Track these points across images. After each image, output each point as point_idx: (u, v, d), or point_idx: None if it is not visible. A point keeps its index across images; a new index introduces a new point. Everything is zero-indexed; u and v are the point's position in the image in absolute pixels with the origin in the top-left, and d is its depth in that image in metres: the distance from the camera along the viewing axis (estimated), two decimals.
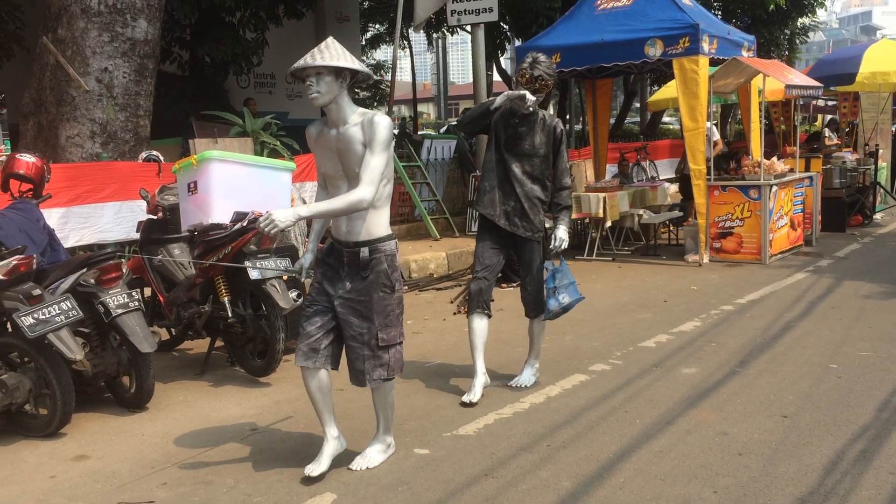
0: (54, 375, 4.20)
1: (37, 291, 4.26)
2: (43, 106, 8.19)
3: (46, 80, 8.16)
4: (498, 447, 3.89)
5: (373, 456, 3.72)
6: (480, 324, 4.65)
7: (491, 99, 4.52)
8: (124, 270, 4.77)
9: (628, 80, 20.91)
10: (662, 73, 13.87)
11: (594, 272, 8.71)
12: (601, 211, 9.33)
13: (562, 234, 4.62)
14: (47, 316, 4.14)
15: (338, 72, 3.34)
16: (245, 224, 5.01)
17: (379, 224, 3.48)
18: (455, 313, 7.00)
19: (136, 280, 5.35)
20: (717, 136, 11.11)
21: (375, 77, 30.99)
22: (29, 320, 4.08)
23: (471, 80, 11.33)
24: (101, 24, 7.96)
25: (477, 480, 3.52)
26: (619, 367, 5.16)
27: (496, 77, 22.28)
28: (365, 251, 3.45)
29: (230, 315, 5.13)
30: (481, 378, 4.61)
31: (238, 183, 5.05)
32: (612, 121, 22.07)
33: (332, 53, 3.33)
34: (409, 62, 29.24)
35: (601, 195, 9.37)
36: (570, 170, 11.98)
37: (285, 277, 5.41)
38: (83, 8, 7.89)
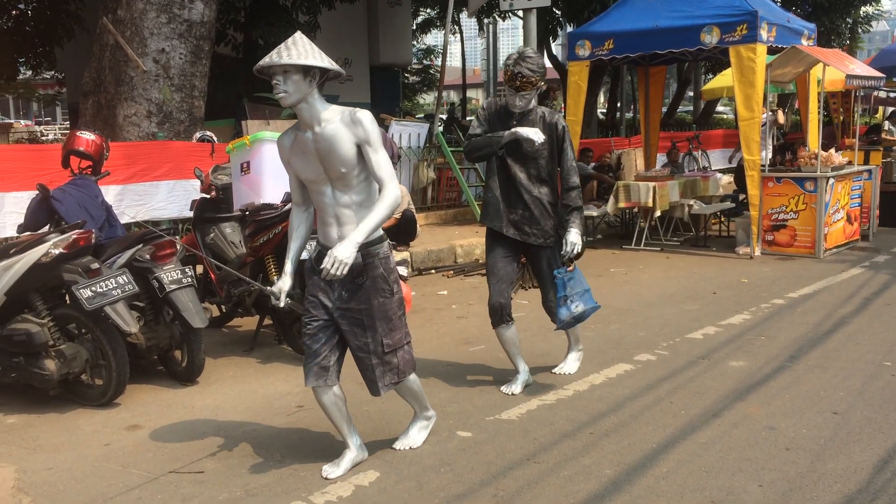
0: (110, 347, 4.33)
1: (95, 265, 4.39)
2: (102, 85, 8.40)
3: (106, 60, 8.35)
4: (540, 432, 3.89)
5: (414, 435, 3.73)
6: (508, 332, 4.50)
7: (500, 135, 4.28)
8: (179, 247, 4.89)
9: (682, 67, 20.57)
10: (718, 60, 13.60)
11: (642, 262, 8.63)
12: (650, 200, 9.21)
13: (573, 238, 4.33)
14: (105, 289, 4.27)
15: (306, 70, 3.15)
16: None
17: None
18: None
19: (188, 257, 5.46)
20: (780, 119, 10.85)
21: (425, 62, 31.03)
22: (87, 293, 4.20)
23: None
24: (159, 5, 8.11)
25: (519, 464, 3.54)
26: (664, 357, 5.11)
27: (547, 64, 22.11)
28: (358, 256, 3.22)
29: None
30: (524, 375, 4.56)
31: (281, 167, 5.10)
32: (664, 109, 21.77)
33: (299, 51, 3.14)
34: (459, 47, 29.16)
35: (651, 184, 9.26)
36: (620, 158, 11.92)
37: None
38: None
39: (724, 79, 13.30)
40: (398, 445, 3.70)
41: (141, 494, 3.33)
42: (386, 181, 3.22)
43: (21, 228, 5.16)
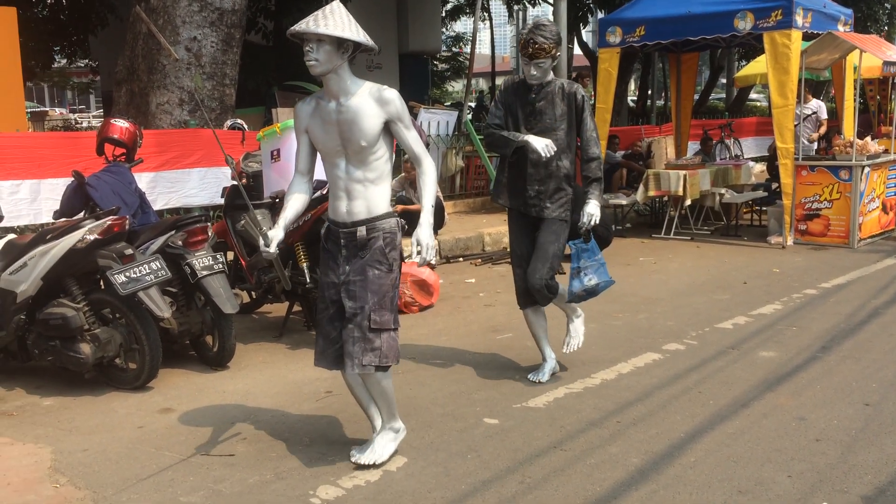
0: (143, 331, 4.40)
1: (129, 251, 4.46)
2: (135, 74, 8.50)
3: (139, 48, 8.45)
4: (567, 420, 3.90)
5: (380, 448, 3.44)
6: (535, 315, 4.50)
7: (515, 137, 4.22)
8: (210, 234, 4.95)
9: (715, 54, 20.31)
10: (752, 47, 13.40)
11: (671, 251, 8.56)
12: (681, 189, 9.12)
13: (591, 209, 4.23)
14: (138, 275, 4.34)
15: (340, 42, 3.11)
16: (325, 192, 5.10)
17: (379, 202, 3.28)
18: None
19: (219, 244, 5.52)
20: (825, 114, 10.67)
21: (454, 49, 30.92)
22: (121, 278, 4.28)
23: None
24: None
25: (545, 452, 3.55)
26: (693, 347, 5.08)
27: (577, 51, 21.93)
28: (362, 230, 3.24)
29: (308, 280, 5.26)
30: (550, 363, 4.54)
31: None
32: (697, 97, 21.51)
33: (335, 21, 3.09)
34: (488, 34, 29.01)
35: (681, 173, 9.17)
36: (651, 146, 11.81)
37: None
38: None
39: (758, 65, 13.12)
40: (363, 460, 3.39)
41: (173, 476, 3.40)
42: (422, 156, 3.28)
43: (57, 214, 5.26)
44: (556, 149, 4.19)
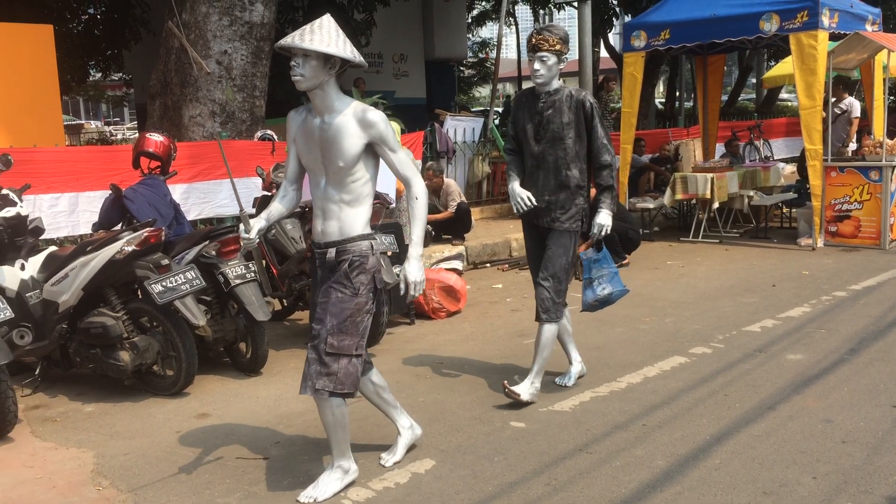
0: (180, 339, 4.54)
1: (165, 261, 4.61)
2: (168, 87, 8.70)
3: (171, 62, 8.65)
4: (593, 424, 3.95)
5: (326, 484, 3.28)
6: (560, 322, 4.38)
7: (509, 184, 4.33)
8: (242, 244, 5.07)
9: (743, 55, 20.15)
10: (780, 47, 13.29)
11: (699, 254, 8.55)
12: (708, 192, 9.11)
13: (601, 220, 4.19)
14: (174, 284, 4.48)
15: (326, 57, 3.04)
16: None
17: (353, 224, 3.19)
18: None
19: (251, 252, 5.65)
20: (857, 112, 10.58)
21: (480, 55, 30.99)
22: (158, 288, 4.42)
23: (577, 56, 11.23)
24: (221, 8, 8.36)
25: (571, 455, 3.61)
26: (720, 350, 5.10)
27: (603, 53, 21.89)
28: (332, 252, 3.18)
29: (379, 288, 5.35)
30: (576, 367, 4.58)
31: None
32: (725, 98, 21.34)
33: (322, 37, 3.01)
34: (514, 39, 29.05)
35: (708, 175, 9.15)
36: (678, 149, 11.78)
37: (390, 253, 5.61)
38: None
39: (786, 66, 13.01)
40: (303, 497, 3.26)
41: (210, 478, 3.52)
42: (412, 178, 3.21)
43: (96, 226, 5.44)
44: (530, 205, 4.21)
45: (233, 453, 3.78)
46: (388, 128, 3.16)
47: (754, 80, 23.15)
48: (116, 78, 21.10)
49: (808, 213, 8.81)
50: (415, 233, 3.20)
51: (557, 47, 4.12)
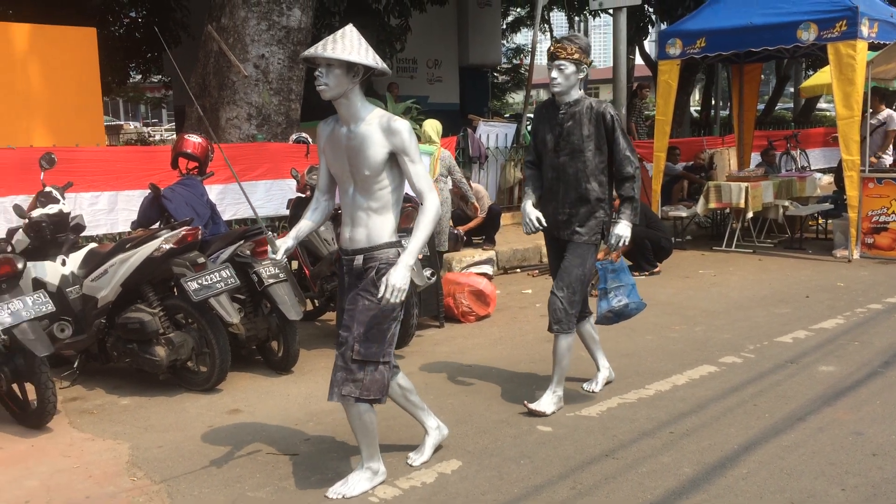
0: (214, 336, 4.64)
1: (201, 260, 4.71)
2: (206, 90, 8.86)
3: (210, 66, 8.81)
4: (620, 430, 3.96)
5: (355, 482, 3.36)
6: (583, 329, 4.45)
7: (524, 202, 4.31)
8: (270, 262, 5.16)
9: (781, 63, 19.92)
10: (818, 56, 13.14)
11: (732, 264, 8.48)
12: (742, 201, 9.04)
13: (620, 231, 4.12)
14: (209, 282, 4.58)
15: (349, 65, 3.08)
16: None
17: (381, 231, 3.21)
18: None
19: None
20: (894, 125, 10.42)
21: (514, 61, 31.00)
22: (194, 285, 4.52)
23: (611, 64, 11.21)
24: (259, 13, 8.50)
25: (597, 460, 3.62)
26: (751, 360, 5.06)
27: (639, 61, 21.79)
28: (359, 259, 3.21)
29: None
30: (604, 372, 4.59)
31: None
32: (762, 107, 21.11)
33: (345, 45, 3.06)
34: (548, 46, 29.00)
35: (743, 185, 9.08)
36: (713, 157, 11.69)
37: (421, 256, 5.65)
38: None
39: (824, 76, 12.88)
40: (331, 493, 3.34)
41: (241, 472, 3.59)
42: (425, 192, 3.15)
43: (134, 225, 5.57)
44: (538, 227, 4.22)
45: (263, 449, 3.85)
46: (412, 138, 3.16)
47: (792, 90, 22.87)
48: (156, 80, 21.48)
49: (845, 224, 8.70)
50: (413, 243, 3.13)
51: (576, 56, 4.07)
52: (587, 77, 4.27)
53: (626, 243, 4.18)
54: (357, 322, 3.18)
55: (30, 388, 4.19)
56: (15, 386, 4.24)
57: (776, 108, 23.21)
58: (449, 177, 7.27)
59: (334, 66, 3.08)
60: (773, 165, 11.57)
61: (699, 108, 23.37)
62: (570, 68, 4.09)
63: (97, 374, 5.08)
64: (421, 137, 7.05)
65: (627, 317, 4.42)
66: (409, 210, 5.37)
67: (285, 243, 3.38)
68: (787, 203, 9.72)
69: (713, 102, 19.14)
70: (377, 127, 3.14)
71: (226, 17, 8.64)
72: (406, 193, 5.58)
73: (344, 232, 3.30)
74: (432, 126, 7.11)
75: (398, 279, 3.05)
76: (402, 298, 3.08)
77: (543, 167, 4.30)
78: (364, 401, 3.23)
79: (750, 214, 9.21)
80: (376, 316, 3.18)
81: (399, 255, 3.20)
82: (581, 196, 4.16)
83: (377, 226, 3.21)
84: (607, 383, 4.59)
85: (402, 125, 3.14)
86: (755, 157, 11.92)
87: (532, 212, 4.27)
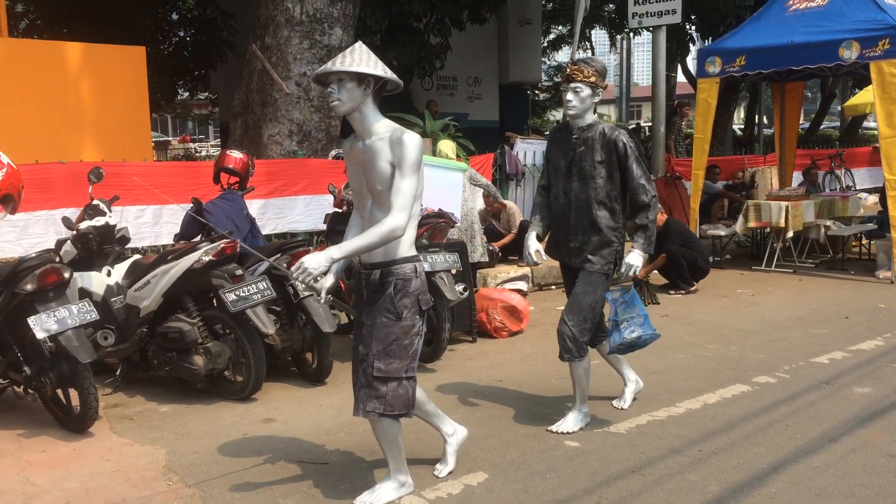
0: (250, 346, 4.75)
1: (239, 272, 4.84)
2: (250, 107, 9.09)
3: (254, 83, 9.05)
4: (648, 447, 3.96)
5: (383, 492, 3.41)
6: (603, 348, 4.38)
7: (528, 234, 4.31)
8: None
9: (826, 81, 19.63)
10: (863, 75, 12.96)
11: (771, 284, 8.39)
12: (782, 220, 8.93)
13: (631, 260, 4.03)
14: (247, 294, 4.70)
15: (360, 78, 3.11)
16: (418, 219, 5.37)
17: (399, 245, 3.20)
18: None
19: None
20: None
21: (555, 79, 31.03)
22: (232, 296, 4.65)
23: (651, 82, 11.22)
24: (302, 32, 8.72)
25: (623, 475, 3.63)
26: (784, 380, 5.01)
27: (680, 78, 21.68)
28: (376, 274, 3.21)
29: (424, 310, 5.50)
30: (631, 386, 4.58)
31: None
32: (808, 125, 20.80)
33: (354, 59, 3.10)
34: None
35: (783, 204, 8.98)
36: (754, 176, 11.58)
37: (454, 271, 5.73)
38: (287, 18, 8.69)
39: (868, 94, 12.70)
40: (359, 501, 3.40)
41: (273, 480, 3.68)
42: (394, 209, 3.08)
43: (177, 237, 5.74)
44: (537, 261, 4.25)
45: (295, 457, 3.94)
46: (415, 153, 3.10)
47: (840, 108, 22.50)
48: (203, 97, 21.98)
49: (888, 244, 8.54)
50: (349, 243, 3.10)
51: (592, 79, 4.02)
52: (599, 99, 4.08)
53: (637, 273, 4.10)
54: (376, 339, 3.21)
55: (73, 393, 4.34)
56: (59, 391, 4.40)
57: (822, 126, 22.85)
58: (476, 189, 7.36)
59: (345, 80, 3.12)
60: (815, 184, 11.42)
61: (743, 127, 23.12)
62: (586, 91, 4.04)
63: (138, 383, 5.23)
64: (436, 154, 7.17)
65: (641, 347, 4.33)
66: (441, 226, 5.45)
67: (328, 282, 3.42)
68: (828, 223, 9.57)
69: (756, 120, 18.95)
70: (387, 141, 3.15)
71: (269, 36, 8.87)
72: (440, 209, 5.69)
73: None
74: (448, 145, 7.27)
75: (311, 261, 3.01)
76: (310, 281, 3.03)
77: (554, 192, 4.24)
78: (389, 416, 3.27)
79: (790, 234, 9.09)
80: (394, 333, 3.21)
81: (416, 270, 3.25)
82: (592, 223, 4.09)
83: (394, 241, 3.19)
84: (636, 397, 4.59)
85: (410, 139, 3.12)
86: (797, 176, 11.77)
87: (532, 245, 4.26)
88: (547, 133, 18.63)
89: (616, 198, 4.10)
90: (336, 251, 3.06)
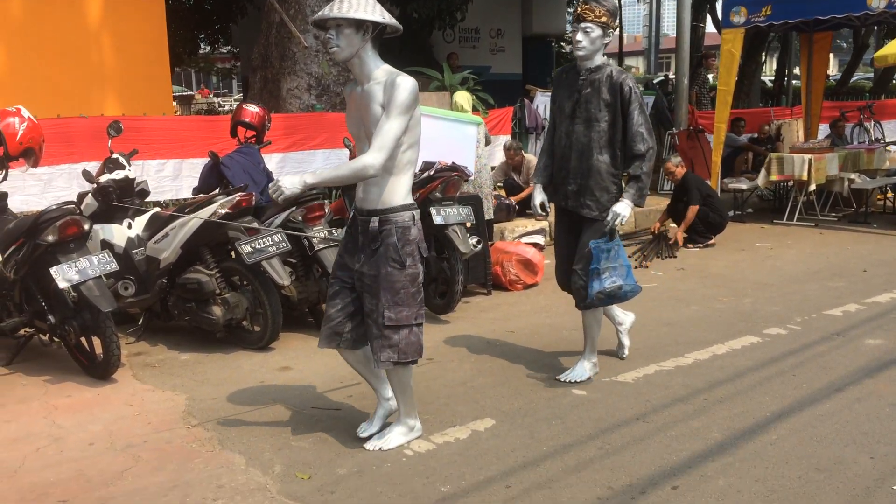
0: (266, 297, 4.86)
1: (255, 224, 4.93)
2: (268, 61, 9.11)
3: (272, 37, 9.05)
4: (653, 395, 4.03)
5: (392, 437, 3.51)
6: (589, 316, 4.28)
7: (533, 183, 4.34)
8: (327, 210, 5.36)
9: (859, 32, 19.12)
10: (894, 25, 12.62)
11: (791, 237, 8.34)
12: (805, 173, 8.83)
13: (619, 209, 3.97)
14: (262, 246, 4.80)
15: (358, 24, 3.11)
16: (432, 173, 5.41)
17: (395, 192, 3.22)
18: (636, 267, 7.04)
19: (336, 220, 5.94)
20: None
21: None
22: (247, 248, 4.75)
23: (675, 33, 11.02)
24: None
25: (627, 423, 3.70)
26: (796, 332, 5.03)
27: (710, 28, 21.21)
28: (374, 221, 3.22)
29: (425, 257, 5.58)
30: (625, 323, 4.56)
31: (428, 134, 5.41)
32: (840, 76, 20.31)
33: (352, 4, 3.09)
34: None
35: (806, 157, 8.86)
36: (780, 129, 11.40)
37: (469, 224, 5.77)
38: None
39: None
40: (369, 445, 3.50)
41: (287, 424, 3.81)
42: (372, 147, 3.10)
43: (195, 191, 5.83)
44: (542, 213, 4.26)
45: (309, 403, 4.07)
46: (405, 95, 3.09)
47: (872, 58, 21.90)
48: (225, 51, 21.97)
49: None
50: (326, 170, 3.23)
51: (603, 19, 3.93)
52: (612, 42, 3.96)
53: (623, 222, 4.03)
54: (383, 290, 3.25)
55: (97, 342, 4.49)
56: (83, 339, 4.55)
57: (856, 77, 22.32)
58: (489, 146, 7.34)
59: (343, 26, 3.12)
60: (841, 137, 11.23)
61: (773, 78, 22.63)
62: (597, 31, 3.95)
63: (160, 332, 5.38)
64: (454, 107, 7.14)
65: (621, 299, 4.21)
66: (454, 179, 5.48)
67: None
68: (852, 176, 9.45)
69: (786, 72, 18.54)
70: (381, 85, 3.15)
71: None
72: (453, 163, 5.71)
73: (357, 191, 3.34)
74: (463, 96, 7.23)
75: (286, 181, 3.07)
76: (282, 198, 3.08)
77: (557, 134, 4.19)
78: (402, 363, 3.36)
79: (812, 187, 9.00)
80: (401, 281, 3.26)
81: (413, 217, 3.29)
82: (592, 167, 4.03)
83: (390, 186, 3.22)
84: (628, 341, 4.57)
85: (404, 81, 3.11)
86: (823, 129, 11.57)
87: (538, 196, 4.27)
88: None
89: (619, 143, 4.04)
90: (310, 177, 3.10)
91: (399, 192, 3.25)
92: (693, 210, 7.81)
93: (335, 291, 3.43)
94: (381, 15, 3.15)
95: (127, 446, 3.61)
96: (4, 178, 5.03)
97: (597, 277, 4.04)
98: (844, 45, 36.70)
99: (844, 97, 16.04)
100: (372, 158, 3.09)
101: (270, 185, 3.12)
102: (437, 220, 5.33)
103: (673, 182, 8.43)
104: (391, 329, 3.29)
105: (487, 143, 7.53)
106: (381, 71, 3.21)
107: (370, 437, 3.57)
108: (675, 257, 7.44)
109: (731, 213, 9.20)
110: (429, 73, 9.64)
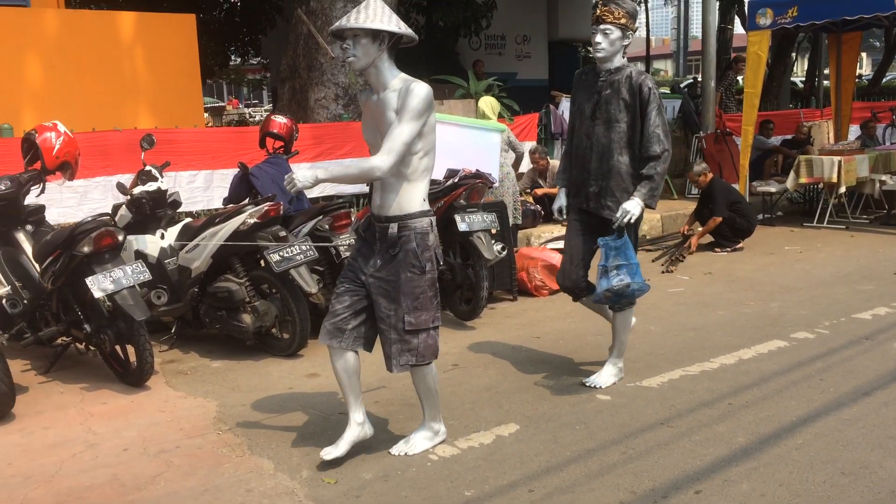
0: (295, 305, 4.95)
1: (283, 233, 5.03)
2: (296, 71, 9.24)
3: (300, 48, 9.18)
4: (678, 400, 4.04)
5: (417, 442, 3.56)
6: (589, 301, 4.31)
7: (558, 187, 4.37)
8: (353, 218, 5.44)
9: (891, 32, 18.84)
10: None
11: (821, 240, 8.26)
12: (834, 175, 8.74)
13: (629, 206, 3.94)
14: (291, 254, 4.89)
15: (375, 34, 3.16)
16: (456, 180, 5.47)
17: (412, 199, 3.27)
18: (663, 272, 7.04)
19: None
20: None
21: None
22: (276, 257, 4.84)
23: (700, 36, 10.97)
24: None
25: (652, 427, 3.72)
26: (824, 336, 5.00)
27: (738, 30, 21.04)
28: (394, 227, 3.26)
29: (441, 263, 5.63)
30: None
31: (452, 142, 5.50)
32: (870, 76, 20.02)
33: (369, 14, 3.14)
34: (643, 17, 28.27)
35: (835, 158, 8.78)
36: (809, 130, 11.28)
37: (493, 231, 5.82)
38: None
39: None
40: (395, 451, 3.56)
41: (315, 430, 3.88)
42: (382, 150, 3.14)
43: (225, 201, 5.96)
44: (562, 217, 4.27)
45: (336, 409, 4.14)
46: (418, 101, 3.13)
47: None
48: (255, 62, 22.31)
49: None
50: (336, 168, 3.29)
51: (622, 21, 3.93)
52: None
53: (633, 220, 3.99)
54: (403, 294, 3.31)
55: (131, 350, 4.61)
56: (118, 348, 4.68)
57: (887, 77, 21.99)
58: (510, 151, 7.36)
59: (360, 36, 3.17)
60: (872, 138, 11.08)
61: (804, 79, 22.39)
62: (616, 33, 3.96)
63: (192, 340, 5.50)
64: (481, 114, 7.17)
65: (628, 297, 4.14)
66: (478, 186, 5.54)
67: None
68: (884, 177, 9.33)
69: (816, 73, 18.33)
70: (396, 93, 3.19)
71: (314, 0, 8.97)
72: (477, 170, 5.77)
73: (375, 198, 3.37)
74: (487, 103, 7.24)
75: (300, 174, 3.15)
76: (294, 190, 3.16)
77: (577, 136, 4.18)
78: (419, 365, 3.43)
79: (842, 189, 8.90)
80: (420, 286, 3.33)
81: (431, 223, 3.35)
82: (612, 168, 4.03)
83: (407, 193, 3.27)
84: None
85: (419, 87, 3.16)
86: (854, 130, 11.44)
87: (559, 200, 4.30)
88: None
89: (638, 144, 4.03)
90: (322, 172, 3.20)
91: (416, 198, 3.30)
92: (714, 221, 7.78)
93: (344, 290, 3.43)
94: (396, 25, 3.20)
95: (160, 452, 3.71)
96: (42, 192, 5.19)
97: (605, 275, 4.01)
98: (878, 44, 36.14)
99: (877, 97, 15.83)
100: (380, 160, 3.14)
101: (286, 177, 3.19)
102: (462, 226, 5.39)
103: (699, 189, 8.40)
104: (411, 333, 3.35)
105: (515, 149, 7.57)
106: (397, 80, 3.26)
107: (334, 459, 3.45)
108: (683, 259, 7.43)
109: (760, 217, 9.14)
110: (454, 81, 9.73)
